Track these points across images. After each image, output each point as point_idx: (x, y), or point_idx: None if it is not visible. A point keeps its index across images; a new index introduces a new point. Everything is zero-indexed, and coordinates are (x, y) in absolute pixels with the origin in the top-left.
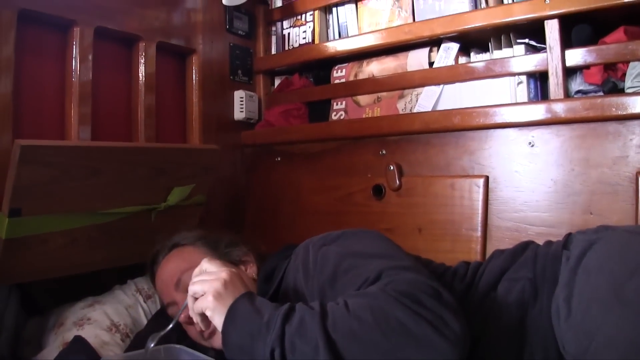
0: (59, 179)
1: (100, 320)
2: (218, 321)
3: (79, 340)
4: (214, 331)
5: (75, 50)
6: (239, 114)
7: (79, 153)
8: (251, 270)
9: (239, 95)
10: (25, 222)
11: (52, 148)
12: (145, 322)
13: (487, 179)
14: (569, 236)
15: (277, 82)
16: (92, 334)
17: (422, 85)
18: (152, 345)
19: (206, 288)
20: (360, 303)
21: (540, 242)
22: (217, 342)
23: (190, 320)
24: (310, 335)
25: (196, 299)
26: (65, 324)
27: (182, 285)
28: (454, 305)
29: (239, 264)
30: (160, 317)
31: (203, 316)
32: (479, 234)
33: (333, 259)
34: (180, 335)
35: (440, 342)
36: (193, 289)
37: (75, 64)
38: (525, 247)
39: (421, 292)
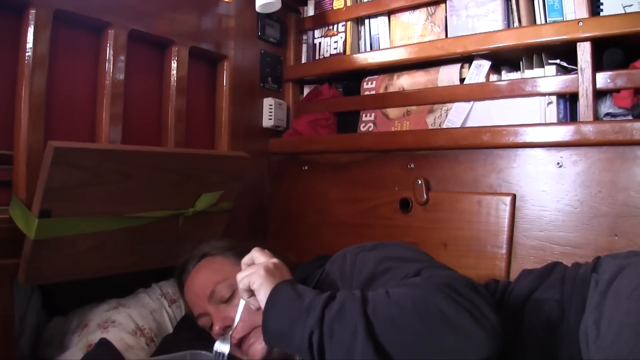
0: (89, 181)
1: (124, 324)
2: (263, 297)
3: (105, 344)
4: (250, 343)
5: (108, 52)
6: (267, 121)
7: (111, 157)
8: None
9: (268, 102)
10: (55, 223)
11: (84, 151)
12: (170, 326)
13: (514, 197)
14: (598, 259)
15: (306, 90)
16: (117, 336)
17: (452, 101)
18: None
19: (255, 269)
20: (401, 291)
21: (565, 261)
22: (254, 352)
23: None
24: (349, 320)
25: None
26: (89, 326)
27: (215, 297)
28: (490, 299)
29: None
30: (187, 323)
31: (249, 293)
32: (504, 251)
33: (372, 261)
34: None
35: (477, 331)
36: (242, 274)
37: (109, 65)
38: (553, 268)
39: (460, 284)
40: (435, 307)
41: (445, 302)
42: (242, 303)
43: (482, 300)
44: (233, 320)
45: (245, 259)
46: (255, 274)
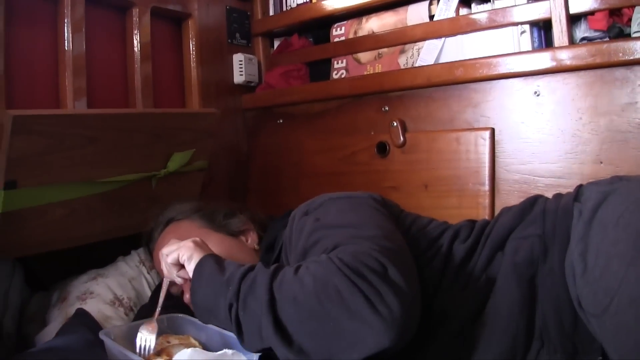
0: (53, 148)
1: (103, 294)
2: (193, 268)
3: (81, 314)
4: None
5: (67, 19)
6: (238, 77)
7: (73, 121)
8: (252, 240)
9: (237, 58)
10: (22, 194)
11: (45, 117)
12: (149, 294)
13: (492, 131)
14: (580, 188)
15: (276, 43)
16: (95, 308)
17: (423, 39)
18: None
19: (182, 243)
20: (307, 268)
21: (550, 194)
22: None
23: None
24: (258, 293)
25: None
26: (68, 299)
27: None
28: (400, 285)
29: (238, 234)
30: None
31: (179, 267)
32: (486, 188)
33: (306, 232)
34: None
35: (373, 319)
36: (168, 248)
37: (68, 33)
38: (534, 202)
39: (364, 266)
40: (334, 288)
41: (343, 283)
42: (165, 282)
43: (386, 286)
44: None
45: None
46: (184, 247)
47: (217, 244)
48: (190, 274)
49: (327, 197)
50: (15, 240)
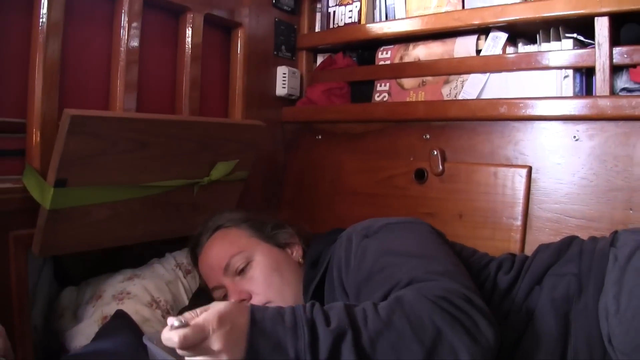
0: (106, 150)
1: (140, 295)
2: None
3: (122, 315)
4: None
5: (123, 18)
6: (281, 89)
7: (128, 125)
8: (297, 253)
9: (281, 71)
10: (70, 193)
11: (101, 119)
12: (185, 298)
13: (530, 169)
14: (615, 233)
15: (319, 59)
16: (133, 309)
17: (469, 72)
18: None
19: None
20: (395, 311)
21: (581, 234)
22: None
23: None
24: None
25: None
26: (104, 297)
27: (230, 270)
28: (486, 311)
29: (284, 247)
30: (202, 295)
31: None
32: (519, 223)
33: (371, 256)
34: None
35: (474, 349)
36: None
37: (123, 32)
38: (570, 242)
39: (456, 297)
40: (432, 325)
41: (443, 318)
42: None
43: (478, 314)
44: (248, 292)
45: (165, 334)
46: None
47: (265, 254)
48: None
49: (386, 221)
50: (59, 238)
